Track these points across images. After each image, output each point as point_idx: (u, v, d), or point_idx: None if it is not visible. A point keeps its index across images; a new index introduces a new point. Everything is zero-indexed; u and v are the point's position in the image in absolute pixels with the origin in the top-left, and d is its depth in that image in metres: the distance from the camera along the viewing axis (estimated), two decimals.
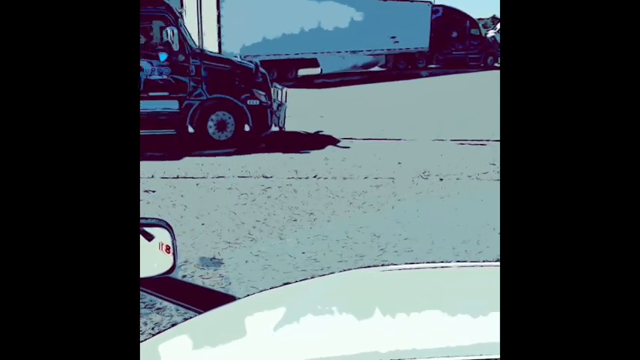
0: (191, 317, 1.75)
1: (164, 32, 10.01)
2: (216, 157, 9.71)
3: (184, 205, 6.99)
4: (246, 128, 10.64)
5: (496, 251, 4.51)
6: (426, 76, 26.55)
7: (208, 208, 6.89)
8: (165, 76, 10.04)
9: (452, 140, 11.34)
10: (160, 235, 1.87)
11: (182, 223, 6.18)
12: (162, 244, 1.87)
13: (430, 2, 29.83)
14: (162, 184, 7.99)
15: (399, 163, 9.33)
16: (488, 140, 10.99)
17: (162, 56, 9.97)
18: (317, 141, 11.32)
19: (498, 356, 1.08)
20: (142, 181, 7.72)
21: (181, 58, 10.09)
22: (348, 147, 10.65)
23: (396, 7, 27.24)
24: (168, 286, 1.99)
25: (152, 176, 8.32)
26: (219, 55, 11.49)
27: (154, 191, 7.60)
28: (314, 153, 10.17)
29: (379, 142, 11.08)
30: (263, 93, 10.64)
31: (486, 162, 9.23)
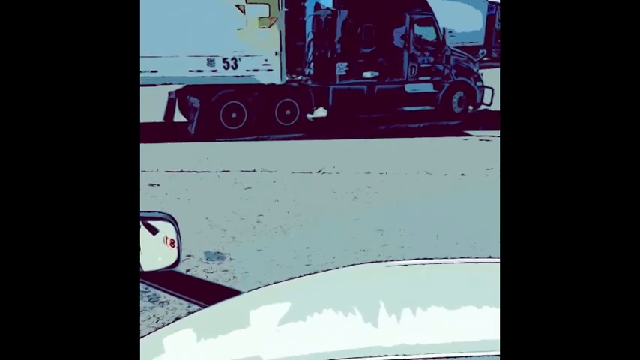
0: (195, 311, 1.75)
1: (416, 29, 13.02)
2: None
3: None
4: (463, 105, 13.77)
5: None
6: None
7: None
8: (429, 65, 13.24)
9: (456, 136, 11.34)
10: (165, 228, 1.87)
11: None
12: (167, 238, 1.87)
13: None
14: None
15: None
16: (492, 136, 10.98)
17: (430, 48, 13.26)
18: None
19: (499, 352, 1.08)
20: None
21: (441, 50, 13.26)
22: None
23: (454, 3, 27.59)
24: (173, 280, 1.99)
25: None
26: (453, 47, 14.40)
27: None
28: None
29: None
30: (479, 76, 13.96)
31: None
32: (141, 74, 10.35)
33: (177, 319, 3.54)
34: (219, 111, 11.39)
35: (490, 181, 7.85)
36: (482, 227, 5.63)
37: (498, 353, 1.08)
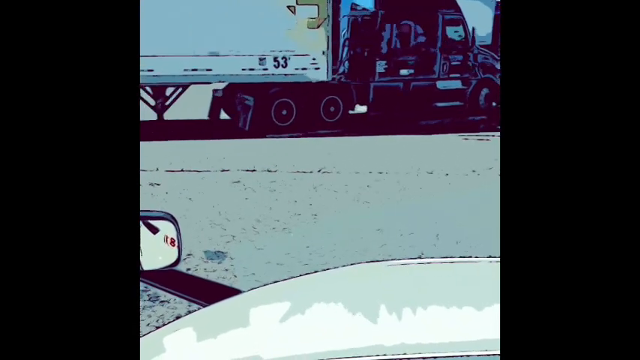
0: (195, 310, 1.75)
1: (447, 29, 13.93)
2: None
3: None
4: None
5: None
6: None
7: None
8: (459, 63, 14.04)
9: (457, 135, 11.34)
10: (165, 228, 1.87)
11: None
12: (167, 237, 1.87)
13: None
14: None
15: None
16: (493, 135, 10.98)
17: (460, 47, 14.02)
18: None
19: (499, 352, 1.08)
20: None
21: (469, 48, 14.06)
22: None
23: (462, 3, 27.89)
24: (173, 279, 1.99)
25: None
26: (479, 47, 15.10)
27: None
28: None
29: None
30: None
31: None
32: (197, 72, 11.03)
33: (177, 318, 3.54)
34: (271, 108, 11.93)
35: (490, 180, 7.85)
36: (482, 227, 5.62)
37: (498, 353, 1.08)
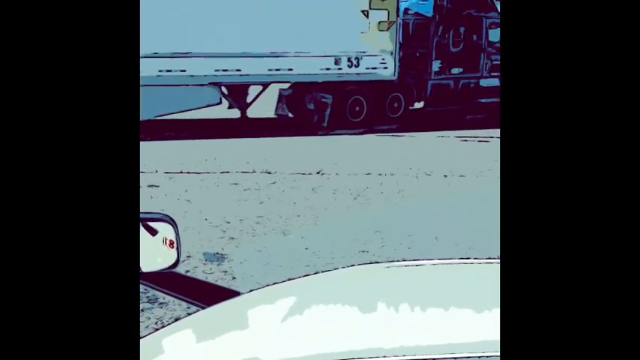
0: (194, 312, 1.75)
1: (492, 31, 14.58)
2: None
3: None
4: None
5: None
6: None
7: None
8: (497, 62, 14.19)
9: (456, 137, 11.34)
10: (164, 230, 1.87)
11: None
12: (166, 239, 1.87)
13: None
14: None
15: None
16: (491, 137, 10.98)
17: (498, 48, 13.94)
18: None
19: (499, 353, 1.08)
20: None
21: None
22: None
23: None
24: (172, 281, 1.99)
25: None
26: None
27: None
28: None
29: None
30: None
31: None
32: (279, 72, 11.89)
33: (176, 320, 3.54)
34: (346, 105, 12.85)
35: (489, 181, 7.85)
36: (481, 228, 5.62)
37: (498, 354, 1.08)
